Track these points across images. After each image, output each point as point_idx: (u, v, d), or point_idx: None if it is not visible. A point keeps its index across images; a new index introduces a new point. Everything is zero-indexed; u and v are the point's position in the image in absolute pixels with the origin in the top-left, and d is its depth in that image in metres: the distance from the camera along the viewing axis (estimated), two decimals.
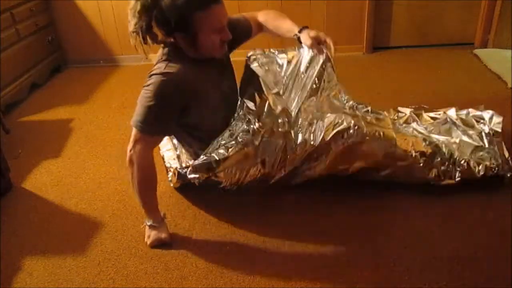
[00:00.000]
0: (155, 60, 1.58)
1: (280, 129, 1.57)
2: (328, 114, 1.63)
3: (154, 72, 1.52)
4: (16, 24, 2.89)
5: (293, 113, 1.62)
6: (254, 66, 1.67)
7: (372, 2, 3.21)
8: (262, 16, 1.84)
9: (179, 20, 1.42)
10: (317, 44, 1.68)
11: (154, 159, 1.56)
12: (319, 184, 1.73)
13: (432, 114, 1.99)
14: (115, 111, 2.72)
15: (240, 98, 1.65)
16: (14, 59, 2.87)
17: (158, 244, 1.58)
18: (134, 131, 1.51)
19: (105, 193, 1.92)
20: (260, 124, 1.55)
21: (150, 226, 1.59)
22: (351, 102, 1.87)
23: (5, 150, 2.01)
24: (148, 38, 1.49)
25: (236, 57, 1.79)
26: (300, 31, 1.71)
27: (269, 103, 1.57)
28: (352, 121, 1.61)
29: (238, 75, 1.77)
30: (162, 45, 1.57)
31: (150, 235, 1.58)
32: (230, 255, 1.52)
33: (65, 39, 3.51)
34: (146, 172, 1.54)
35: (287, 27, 1.77)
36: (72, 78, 3.39)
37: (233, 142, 1.55)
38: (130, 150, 1.50)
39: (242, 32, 1.76)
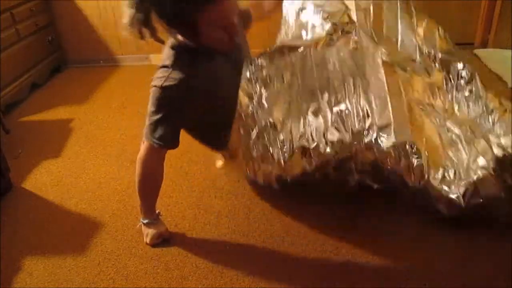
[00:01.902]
0: (160, 60, 1.50)
1: None
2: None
3: (154, 83, 1.45)
4: (16, 24, 2.89)
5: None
6: None
7: None
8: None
9: (183, 14, 1.31)
10: None
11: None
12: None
13: None
14: (115, 111, 2.72)
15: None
16: (14, 59, 2.87)
17: (159, 240, 1.58)
18: (146, 143, 1.50)
19: (105, 193, 1.91)
20: None
21: (146, 224, 1.59)
22: None
23: (5, 150, 2.01)
24: (145, 31, 1.35)
25: None
26: None
27: None
28: None
29: None
30: (169, 43, 1.46)
31: (148, 232, 1.58)
32: (230, 255, 1.52)
33: (65, 39, 3.51)
34: (153, 178, 1.56)
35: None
36: (72, 78, 3.39)
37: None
38: (142, 158, 1.51)
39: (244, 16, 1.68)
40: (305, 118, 1.50)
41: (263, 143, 1.53)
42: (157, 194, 1.60)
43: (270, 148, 1.53)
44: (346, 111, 1.47)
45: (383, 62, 1.51)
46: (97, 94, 3.02)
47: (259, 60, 1.53)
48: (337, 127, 1.48)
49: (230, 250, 1.55)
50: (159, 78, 1.44)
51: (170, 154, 2.15)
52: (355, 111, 1.47)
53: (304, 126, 1.49)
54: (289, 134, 1.50)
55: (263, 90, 1.52)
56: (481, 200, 1.39)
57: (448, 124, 1.51)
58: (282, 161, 1.52)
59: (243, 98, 1.51)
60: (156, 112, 1.45)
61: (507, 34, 3.10)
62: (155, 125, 1.46)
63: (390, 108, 1.45)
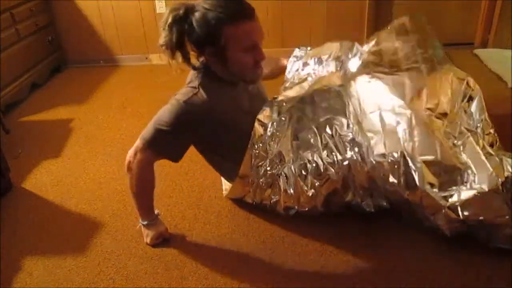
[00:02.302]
0: (187, 79, 1.54)
1: None
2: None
3: (179, 97, 1.46)
4: (16, 24, 2.89)
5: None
6: None
7: (372, 2, 3.22)
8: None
9: (209, 34, 1.37)
10: None
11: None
12: None
13: None
14: (115, 111, 2.72)
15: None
16: (14, 59, 2.87)
17: (159, 240, 1.58)
18: (138, 142, 1.49)
19: (105, 193, 1.92)
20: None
21: (146, 225, 1.59)
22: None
23: (5, 150, 2.01)
24: (178, 55, 1.43)
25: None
26: None
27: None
28: None
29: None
30: (194, 69, 1.51)
31: (148, 233, 1.58)
32: (230, 255, 1.52)
33: (65, 39, 3.52)
34: (144, 180, 1.54)
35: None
36: (72, 78, 3.40)
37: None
38: (130, 157, 1.49)
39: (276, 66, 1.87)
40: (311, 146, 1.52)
41: (272, 172, 1.53)
42: (152, 195, 1.60)
43: (279, 178, 1.53)
44: (341, 131, 1.50)
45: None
46: (97, 94, 3.02)
47: (279, 98, 1.69)
48: (335, 146, 1.48)
49: (230, 250, 1.54)
50: (184, 94, 1.47)
51: None
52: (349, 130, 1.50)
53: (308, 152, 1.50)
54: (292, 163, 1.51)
55: (275, 124, 1.55)
56: (481, 218, 1.31)
57: (451, 131, 1.46)
58: (289, 191, 1.51)
59: (258, 128, 1.54)
60: (170, 124, 1.44)
61: (507, 34, 3.10)
62: (164, 136, 1.45)
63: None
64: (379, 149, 1.41)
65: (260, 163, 1.54)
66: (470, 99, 1.49)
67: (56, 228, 1.73)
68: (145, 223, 1.58)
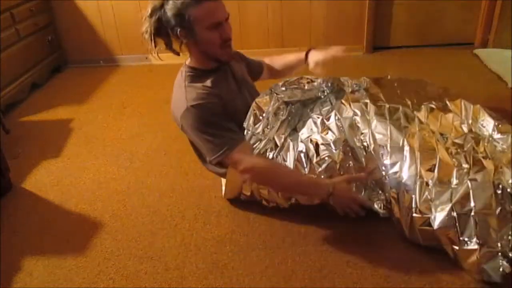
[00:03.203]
0: (175, 86, 1.63)
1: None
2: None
3: (189, 103, 1.52)
4: (16, 24, 2.89)
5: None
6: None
7: (372, 2, 3.21)
8: (266, 59, 1.98)
9: (177, 17, 1.50)
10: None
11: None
12: None
13: None
14: (115, 111, 2.72)
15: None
16: (14, 59, 2.87)
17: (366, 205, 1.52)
18: (227, 160, 1.53)
19: (105, 193, 1.92)
20: None
21: (334, 193, 1.48)
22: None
23: (5, 150, 2.01)
24: (160, 42, 1.58)
25: None
26: (307, 54, 1.78)
27: None
28: None
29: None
30: (176, 54, 1.62)
31: (348, 202, 1.51)
32: (230, 255, 1.53)
33: (65, 39, 3.52)
34: (269, 171, 1.55)
35: (293, 56, 1.88)
36: (72, 78, 3.40)
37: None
38: (244, 178, 1.56)
39: (254, 65, 1.91)
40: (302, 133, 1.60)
41: (267, 154, 1.58)
42: (291, 171, 1.55)
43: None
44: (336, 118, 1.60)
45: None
46: (97, 94, 3.02)
47: (278, 89, 1.76)
48: (331, 129, 1.57)
49: (230, 250, 1.55)
50: (184, 102, 1.53)
51: (170, 154, 2.17)
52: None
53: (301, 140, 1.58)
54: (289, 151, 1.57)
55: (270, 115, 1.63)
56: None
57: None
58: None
59: (256, 110, 1.64)
60: (204, 126, 1.52)
61: (507, 34, 3.10)
62: (214, 137, 1.51)
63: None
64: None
65: (255, 144, 1.58)
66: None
67: (56, 228, 1.73)
68: (331, 189, 1.48)
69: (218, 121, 1.53)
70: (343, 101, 1.64)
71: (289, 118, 1.64)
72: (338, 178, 1.51)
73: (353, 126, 1.56)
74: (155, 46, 1.57)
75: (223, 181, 1.79)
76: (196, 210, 1.76)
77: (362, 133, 1.54)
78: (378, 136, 1.51)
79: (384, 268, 1.42)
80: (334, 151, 1.53)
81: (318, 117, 1.62)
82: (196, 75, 1.59)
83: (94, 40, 3.49)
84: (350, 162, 1.53)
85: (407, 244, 1.50)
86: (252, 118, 1.61)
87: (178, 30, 1.52)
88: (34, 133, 2.52)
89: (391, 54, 3.35)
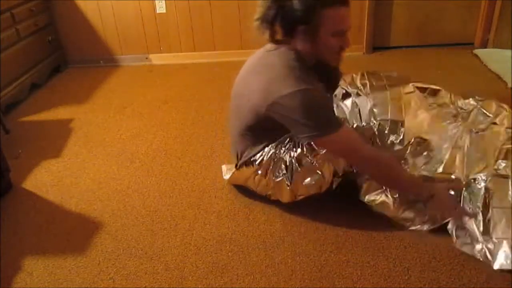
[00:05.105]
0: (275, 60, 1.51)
1: None
2: None
3: (295, 86, 1.42)
4: (16, 24, 2.89)
5: None
6: None
7: (372, 2, 3.22)
8: None
9: (306, 12, 1.40)
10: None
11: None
12: None
13: None
14: (115, 111, 2.72)
15: None
16: (14, 59, 2.87)
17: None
18: (335, 137, 1.45)
19: (105, 193, 1.92)
20: None
21: (434, 197, 1.52)
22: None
23: (5, 150, 2.01)
24: (269, 31, 1.47)
25: None
26: None
27: None
28: None
29: None
30: (278, 43, 1.52)
31: (448, 210, 1.52)
32: (230, 255, 1.53)
33: (65, 39, 3.52)
34: (387, 166, 1.53)
35: None
36: (72, 78, 3.40)
37: None
38: (365, 160, 1.51)
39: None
40: None
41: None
42: (400, 167, 1.59)
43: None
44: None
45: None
46: (97, 94, 3.02)
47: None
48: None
49: (230, 250, 1.55)
50: (291, 85, 1.43)
51: (170, 154, 2.17)
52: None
53: None
54: None
55: None
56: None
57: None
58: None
59: None
60: (320, 105, 1.47)
61: (507, 34, 3.10)
62: (325, 117, 1.45)
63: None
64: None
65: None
66: None
67: (56, 228, 1.73)
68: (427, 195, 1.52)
69: (327, 104, 1.55)
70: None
71: None
72: (440, 184, 1.56)
73: None
74: (271, 33, 1.47)
75: (224, 167, 1.79)
76: (196, 210, 1.76)
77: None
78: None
79: (384, 268, 1.42)
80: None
81: None
82: (303, 65, 1.49)
83: (94, 40, 3.50)
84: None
85: (407, 244, 1.50)
86: None
87: (299, 26, 1.43)
88: (34, 133, 2.52)
89: (391, 54, 3.35)
